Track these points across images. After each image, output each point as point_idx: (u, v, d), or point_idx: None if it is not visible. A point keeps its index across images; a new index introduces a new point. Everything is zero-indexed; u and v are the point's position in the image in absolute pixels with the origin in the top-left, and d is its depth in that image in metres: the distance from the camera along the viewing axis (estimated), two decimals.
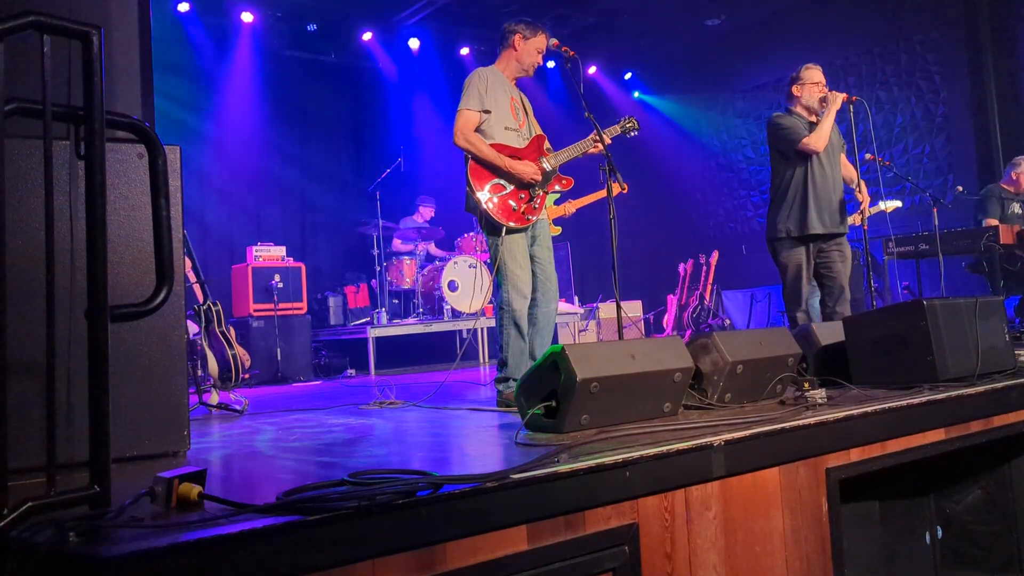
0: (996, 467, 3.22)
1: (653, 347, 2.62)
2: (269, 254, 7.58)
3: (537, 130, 3.99)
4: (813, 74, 4.81)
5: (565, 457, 1.91)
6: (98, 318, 1.54)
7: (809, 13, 9.59)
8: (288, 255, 7.73)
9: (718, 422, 2.38)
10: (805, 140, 4.63)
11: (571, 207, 5.75)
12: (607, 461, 1.87)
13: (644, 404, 2.54)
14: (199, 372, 4.46)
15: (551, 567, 1.75)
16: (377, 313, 8.05)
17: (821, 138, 4.63)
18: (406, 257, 8.64)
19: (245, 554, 1.37)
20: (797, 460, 2.32)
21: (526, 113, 4.00)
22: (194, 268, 4.63)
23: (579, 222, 7.43)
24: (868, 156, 5.51)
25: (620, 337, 3.64)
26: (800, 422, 2.35)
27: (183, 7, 8.59)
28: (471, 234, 8.62)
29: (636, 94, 11.87)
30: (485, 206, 3.71)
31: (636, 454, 1.94)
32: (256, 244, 7.66)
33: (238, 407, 4.06)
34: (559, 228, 4.59)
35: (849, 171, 4.91)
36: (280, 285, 7.32)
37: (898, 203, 6.45)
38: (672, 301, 9.79)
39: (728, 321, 9.82)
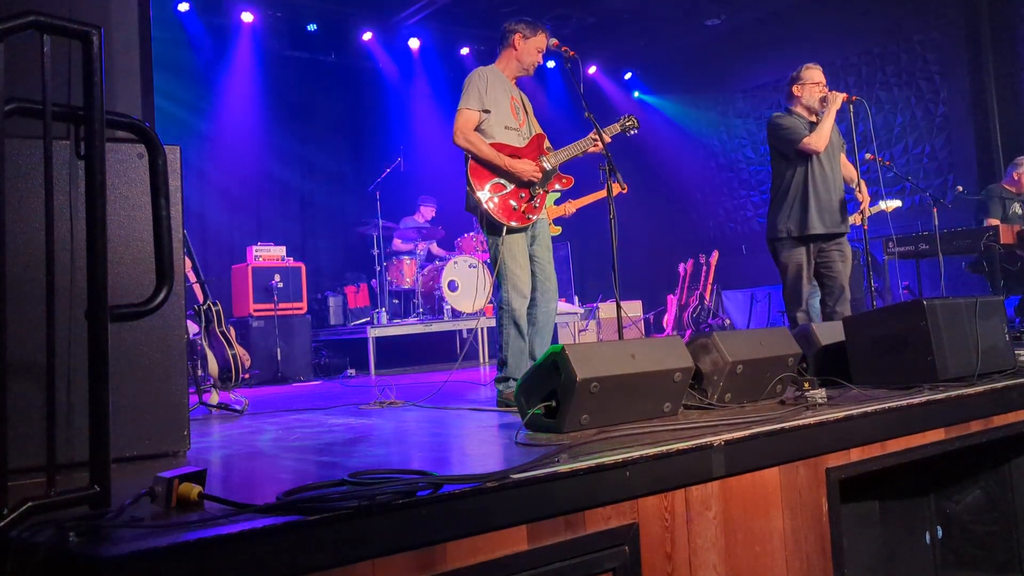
0: (996, 467, 3.22)
1: (653, 347, 2.62)
2: (269, 254, 7.58)
3: (537, 129, 3.99)
4: (813, 74, 4.81)
5: (565, 457, 1.91)
6: (98, 318, 1.54)
7: (809, 13, 9.59)
8: (288, 255, 7.73)
9: (718, 422, 2.38)
10: (805, 140, 4.63)
11: (571, 207, 5.75)
12: (607, 461, 1.87)
13: (644, 404, 2.54)
14: (199, 372, 4.46)
15: (551, 567, 1.74)
16: (377, 313, 8.05)
17: (821, 138, 4.62)
18: (406, 257, 8.63)
19: (245, 554, 1.37)
20: (797, 460, 2.32)
21: (526, 112, 4.00)
22: (194, 268, 4.63)
23: (579, 222, 7.44)
24: (868, 156, 5.51)
25: (620, 337, 3.64)
26: (800, 422, 2.35)
27: (183, 7, 8.59)
28: (471, 234, 8.62)
29: (636, 94, 11.87)
30: (486, 206, 3.71)
31: (636, 454, 1.94)
32: (256, 244, 7.65)
33: (238, 407, 4.06)
34: (559, 228, 4.59)
35: (849, 171, 4.91)
36: (280, 285, 7.32)
37: (898, 203, 6.45)
38: (672, 301, 9.79)
39: (728, 321, 9.83)
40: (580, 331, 9.10)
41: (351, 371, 7.64)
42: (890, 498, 3.13)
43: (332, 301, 8.66)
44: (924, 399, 2.71)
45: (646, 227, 10.82)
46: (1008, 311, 6.39)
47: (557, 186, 4.02)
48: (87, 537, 1.38)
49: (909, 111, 9.08)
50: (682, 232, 11.19)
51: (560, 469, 1.79)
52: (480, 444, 2.62)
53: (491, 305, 6.96)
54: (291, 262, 7.67)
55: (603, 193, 4.18)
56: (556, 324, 5.66)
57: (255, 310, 7.26)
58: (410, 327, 7.99)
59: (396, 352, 8.17)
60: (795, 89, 4.83)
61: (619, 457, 1.90)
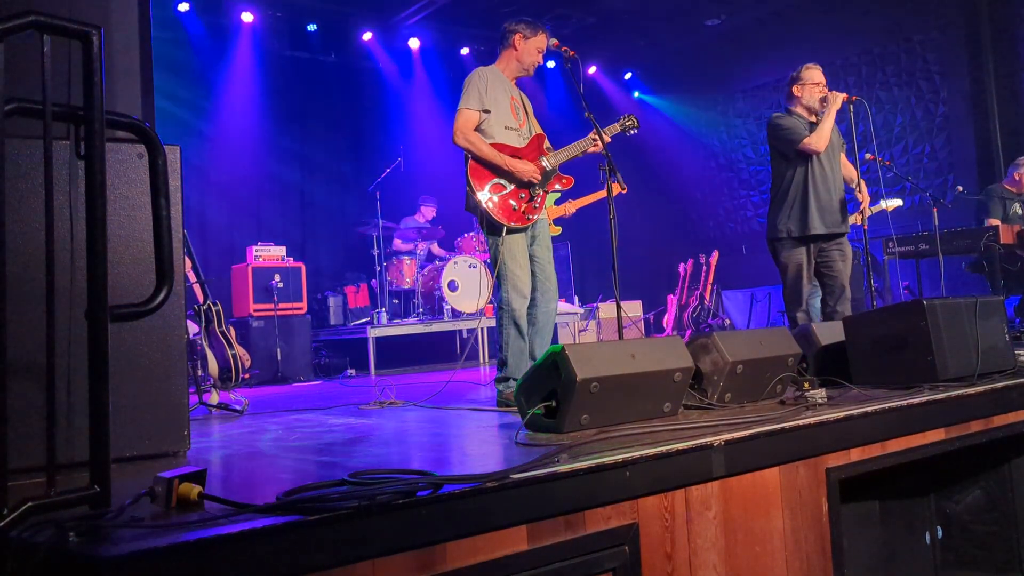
0: (996, 467, 3.22)
1: (653, 347, 2.62)
2: (269, 254, 7.58)
3: (537, 129, 3.99)
4: (813, 74, 4.81)
5: (565, 457, 1.91)
6: (98, 318, 1.54)
7: (809, 13, 9.59)
8: (288, 255, 7.73)
9: (718, 422, 2.38)
10: (805, 140, 4.63)
11: (571, 207, 5.75)
12: (607, 461, 1.87)
13: (644, 404, 2.54)
14: (199, 372, 4.46)
15: (551, 567, 1.74)
16: (377, 313, 8.05)
17: (821, 138, 4.62)
18: (406, 257, 8.64)
19: (245, 554, 1.37)
20: (797, 460, 2.32)
21: (526, 113, 4.00)
22: (194, 268, 4.63)
23: (579, 222, 7.43)
24: (868, 156, 5.51)
25: (620, 337, 3.64)
26: (800, 422, 2.35)
27: (183, 7, 8.59)
28: (471, 234, 8.62)
29: (636, 94, 11.87)
30: (485, 206, 3.71)
31: (636, 454, 1.94)
32: (256, 244, 7.66)
33: (238, 407, 4.06)
34: (559, 228, 4.59)
35: (849, 171, 4.91)
36: (280, 285, 7.32)
37: (899, 202, 6.45)
38: (672, 301, 9.79)
39: (728, 321, 9.83)
40: (580, 331, 9.10)
41: (351, 371, 7.64)
42: (890, 498, 3.13)
43: (332, 301, 8.66)
44: (924, 399, 2.71)
45: (646, 227, 10.82)
46: (1008, 311, 6.39)
47: (557, 186, 4.02)
48: (87, 537, 1.38)
49: (909, 111, 9.08)
50: (682, 232, 11.19)
51: (560, 469, 1.79)
52: (480, 444, 2.62)
53: (491, 305, 6.96)
54: (291, 262, 7.67)
55: (603, 193, 4.18)
56: (556, 324, 5.66)
57: (255, 310, 7.26)
58: (410, 327, 7.99)
59: (396, 352, 8.17)
60: (795, 89, 4.83)
61: (619, 457, 1.90)
